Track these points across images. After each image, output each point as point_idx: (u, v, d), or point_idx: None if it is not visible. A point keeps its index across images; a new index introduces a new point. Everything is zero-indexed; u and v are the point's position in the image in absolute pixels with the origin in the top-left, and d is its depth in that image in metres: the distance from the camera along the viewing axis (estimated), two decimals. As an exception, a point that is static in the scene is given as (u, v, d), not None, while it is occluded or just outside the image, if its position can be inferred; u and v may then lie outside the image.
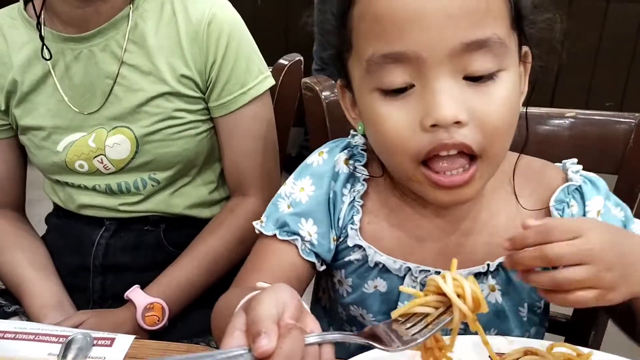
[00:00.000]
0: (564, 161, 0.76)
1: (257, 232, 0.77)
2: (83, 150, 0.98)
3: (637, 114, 0.88)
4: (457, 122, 0.60)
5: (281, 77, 1.08)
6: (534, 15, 0.66)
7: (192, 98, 0.98)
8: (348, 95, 0.73)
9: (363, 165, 0.77)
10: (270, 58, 1.07)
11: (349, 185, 0.76)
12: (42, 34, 0.95)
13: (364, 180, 0.76)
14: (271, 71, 1.07)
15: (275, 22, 2.77)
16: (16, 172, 1.08)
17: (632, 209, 0.87)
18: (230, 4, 1.00)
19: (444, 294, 0.53)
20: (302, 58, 1.11)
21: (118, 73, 0.96)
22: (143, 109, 0.97)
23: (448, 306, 0.53)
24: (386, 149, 0.67)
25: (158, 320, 0.94)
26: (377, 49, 0.62)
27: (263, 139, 1.03)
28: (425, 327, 0.52)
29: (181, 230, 1.05)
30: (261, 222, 0.77)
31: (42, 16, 0.96)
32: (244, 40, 0.99)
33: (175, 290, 0.97)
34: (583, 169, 0.75)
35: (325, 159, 0.78)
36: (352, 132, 0.80)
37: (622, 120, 0.89)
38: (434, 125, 0.60)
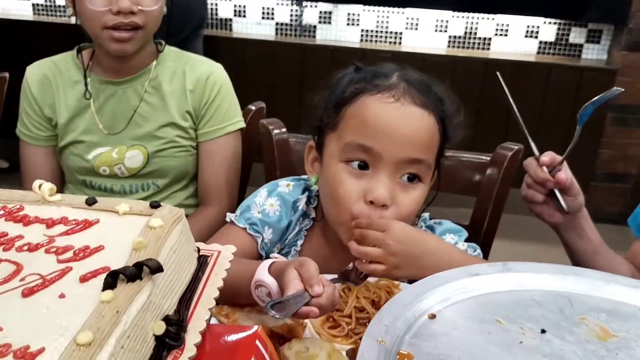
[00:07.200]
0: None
1: (228, 220, 1.07)
2: (107, 159, 1.36)
3: (490, 153, 1.30)
4: (384, 205, 0.92)
5: (248, 119, 1.48)
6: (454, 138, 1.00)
7: (188, 129, 1.39)
8: (313, 154, 1.04)
9: (313, 208, 1.09)
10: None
11: (301, 219, 1.08)
12: (87, 81, 1.35)
13: (312, 218, 1.08)
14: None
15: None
16: (59, 174, 1.44)
17: (483, 223, 1.28)
18: (222, 68, 1.42)
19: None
20: (264, 105, 1.51)
21: (138, 106, 1.36)
22: (154, 133, 1.36)
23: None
24: (335, 203, 0.96)
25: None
26: (355, 139, 0.93)
27: (231, 164, 1.43)
28: None
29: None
30: (236, 215, 1.07)
31: (89, 65, 1.36)
32: (228, 93, 1.41)
33: None
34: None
35: (291, 191, 1.09)
36: (306, 177, 1.10)
37: (481, 157, 1.31)
38: (371, 202, 0.92)
